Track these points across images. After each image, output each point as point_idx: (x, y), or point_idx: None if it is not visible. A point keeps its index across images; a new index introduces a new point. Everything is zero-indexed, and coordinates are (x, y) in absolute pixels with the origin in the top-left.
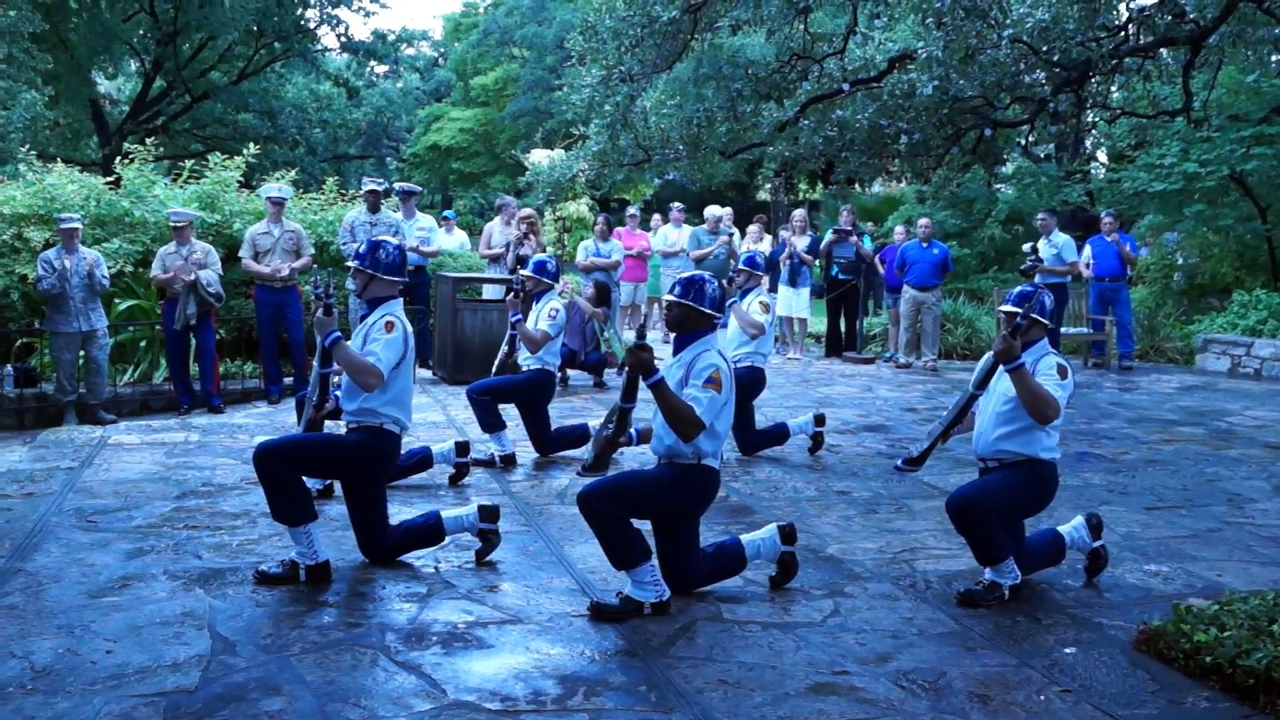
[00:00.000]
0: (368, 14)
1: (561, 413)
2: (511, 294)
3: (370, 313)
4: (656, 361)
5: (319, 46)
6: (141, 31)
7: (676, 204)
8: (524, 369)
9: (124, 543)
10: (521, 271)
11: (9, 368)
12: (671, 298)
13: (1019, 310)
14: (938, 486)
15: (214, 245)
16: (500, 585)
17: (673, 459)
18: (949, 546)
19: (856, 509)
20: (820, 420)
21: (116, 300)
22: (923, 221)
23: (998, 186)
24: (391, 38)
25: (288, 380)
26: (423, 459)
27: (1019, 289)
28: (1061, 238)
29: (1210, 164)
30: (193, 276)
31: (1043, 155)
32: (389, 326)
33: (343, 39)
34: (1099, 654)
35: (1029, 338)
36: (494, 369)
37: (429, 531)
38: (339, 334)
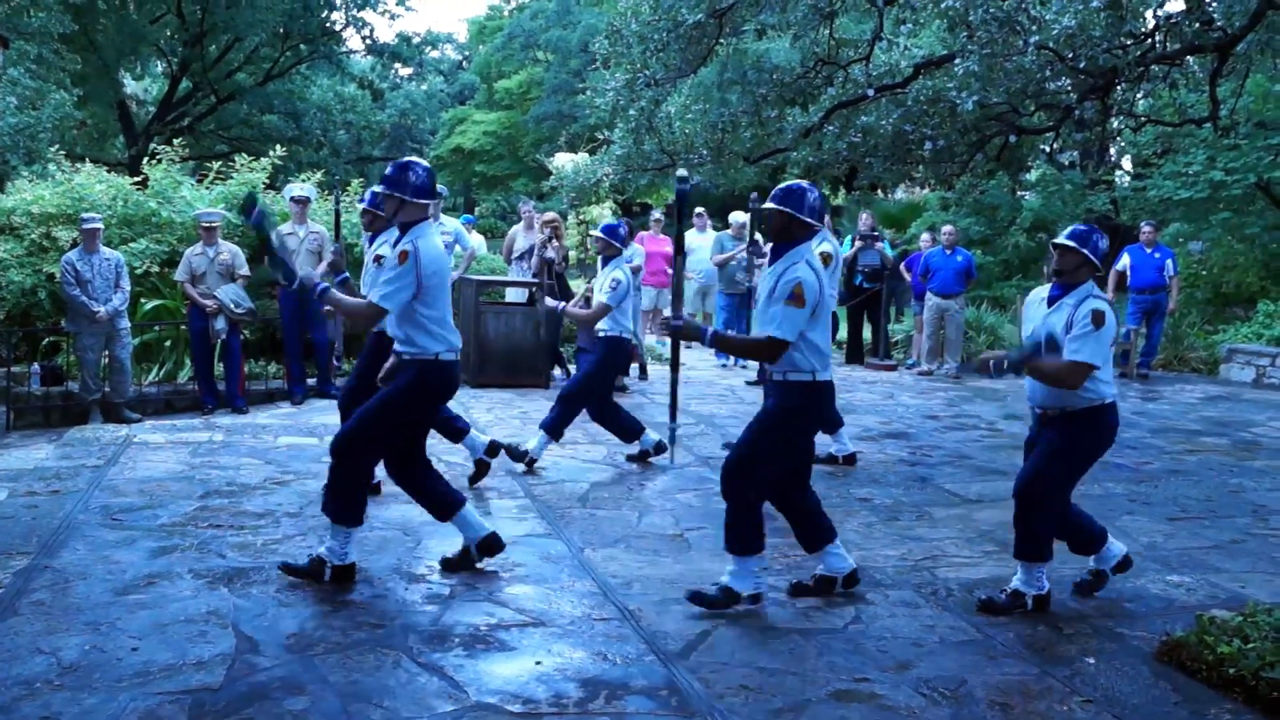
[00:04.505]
0: (393, 17)
1: (584, 415)
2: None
3: (402, 238)
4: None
5: (344, 49)
6: (169, 33)
7: (698, 209)
8: (600, 333)
9: (149, 541)
10: (593, 232)
11: (36, 366)
12: (772, 205)
13: (1073, 244)
14: (959, 494)
15: (240, 246)
16: (522, 588)
17: (787, 374)
18: (970, 554)
19: (878, 516)
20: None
21: (142, 300)
22: (946, 228)
23: (1022, 194)
24: (416, 40)
25: (311, 381)
26: (459, 429)
27: (1073, 227)
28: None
29: (1236, 172)
30: (214, 305)
31: (1067, 162)
32: (402, 257)
33: (368, 41)
34: (1121, 664)
35: (1076, 279)
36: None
37: (444, 504)
38: (327, 285)
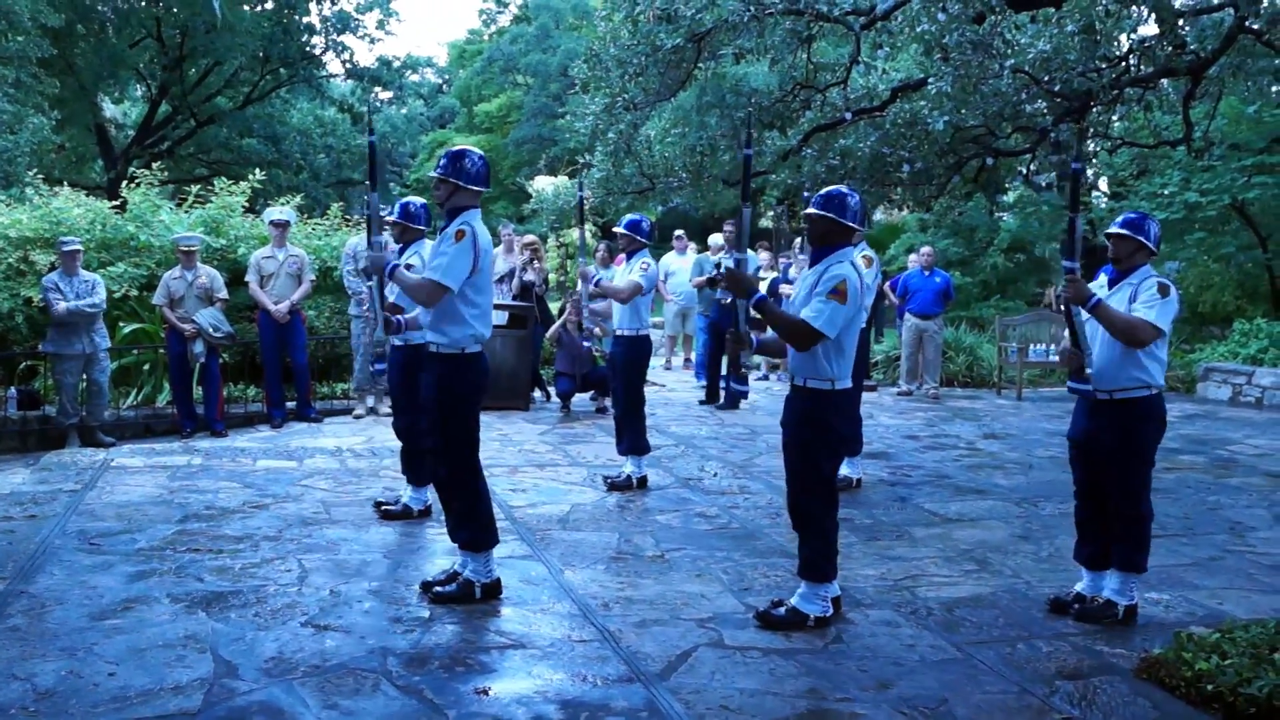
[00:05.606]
0: (373, 41)
1: (564, 438)
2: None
3: (450, 223)
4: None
5: (324, 72)
6: (148, 57)
7: (678, 231)
8: (615, 332)
9: (127, 565)
10: (616, 229)
11: (12, 390)
12: (814, 210)
13: (1126, 231)
14: (938, 514)
15: (219, 270)
16: (502, 610)
17: (808, 379)
18: (950, 573)
19: (858, 535)
20: None
21: (121, 324)
22: (924, 249)
23: (999, 215)
24: (396, 64)
25: (290, 404)
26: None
27: (1126, 215)
28: (749, 253)
29: (1211, 193)
30: (192, 329)
31: (1044, 184)
32: (459, 235)
33: (348, 65)
34: (1100, 682)
35: (1132, 263)
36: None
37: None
38: (396, 264)
